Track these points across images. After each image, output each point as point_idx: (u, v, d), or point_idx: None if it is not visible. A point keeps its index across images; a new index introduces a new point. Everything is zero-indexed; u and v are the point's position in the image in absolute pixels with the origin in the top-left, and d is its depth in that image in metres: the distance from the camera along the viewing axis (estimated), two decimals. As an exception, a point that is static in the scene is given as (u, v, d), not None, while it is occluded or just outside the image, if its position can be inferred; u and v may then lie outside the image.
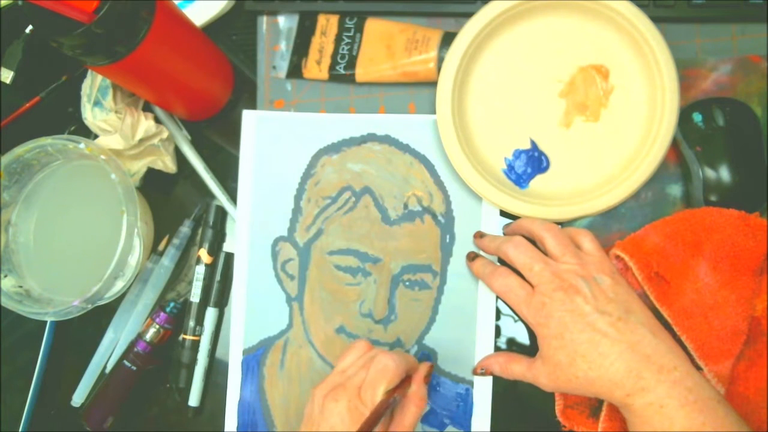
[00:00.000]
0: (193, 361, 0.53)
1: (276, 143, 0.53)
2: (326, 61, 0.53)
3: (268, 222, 0.52)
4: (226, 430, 0.51)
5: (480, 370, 0.48)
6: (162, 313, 0.53)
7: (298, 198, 0.52)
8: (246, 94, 0.56)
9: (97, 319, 0.55)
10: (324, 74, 0.53)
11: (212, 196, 0.55)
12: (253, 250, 0.52)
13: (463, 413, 0.49)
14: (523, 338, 0.50)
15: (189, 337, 0.53)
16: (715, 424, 0.37)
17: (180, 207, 0.56)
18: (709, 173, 0.46)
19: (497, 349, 0.50)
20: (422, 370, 0.44)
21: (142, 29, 0.42)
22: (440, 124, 0.49)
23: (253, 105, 0.55)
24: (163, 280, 0.54)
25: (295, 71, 0.54)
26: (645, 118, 0.48)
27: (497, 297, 0.49)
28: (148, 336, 0.52)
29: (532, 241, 0.45)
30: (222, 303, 0.54)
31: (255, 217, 0.52)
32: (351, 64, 0.52)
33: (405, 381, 0.43)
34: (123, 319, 0.54)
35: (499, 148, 0.50)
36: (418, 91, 0.53)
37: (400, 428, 0.41)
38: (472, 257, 0.49)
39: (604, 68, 0.49)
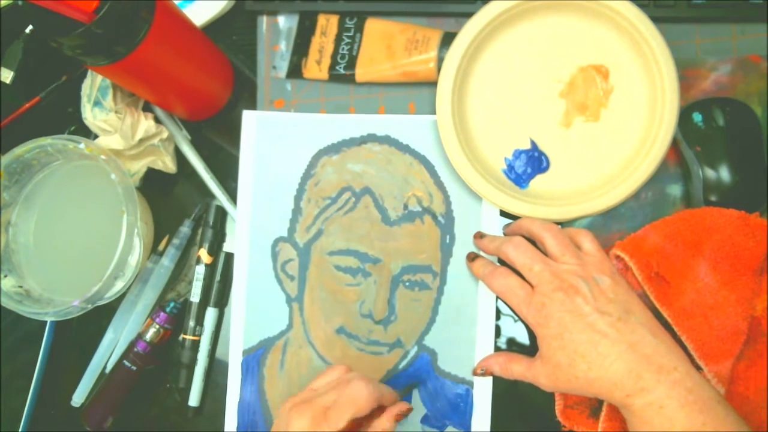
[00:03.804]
0: (193, 361, 0.53)
1: (276, 143, 0.53)
2: (326, 61, 0.53)
3: (268, 222, 0.52)
4: (226, 430, 0.51)
5: (480, 371, 0.48)
6: (162, 313, 0.53)
7: (298, 198, 0.52)
8: (246, 94, 0.56)
9: (97, 319, 0.55)
10: (324, 74, 0.53)
11: (212, 196, 0.55)
12: (253, 250, 0.52)
13: (463, 413, 0.49)
14: (523, 338, 0.50)
15: (189, 337, 0.53)
16: (715, 425, 0.37)
17: (180, 207, 0.56)
18: (709, 173, 0.46)
19: (497, 349, 0.50)
20: (397, 407, 0.42)
21: (142, 29, 0.42)
22: (440, 124, 0.49)
23: (253, 105, 0.55)
24: (163, 280, 0.54)
25: (295, 71, 0.54)
26: (645, 118, 0.48)
27: (497, 297, 0.49)
28: (148, 336, 0.52)
29: (532, 242, 0.45)
30: (222, 303, 0.54)
31: (255, 218, 0.52)
32: (351, 64, 0.52)
33: (376, 411, 0.41)
34: (123, 319, 0.54)
35: (499, 148, 0.50)
36: (418, 91, 0.53)
37: None
38: (472, 257, 0.49)
39: (604, 68, 0.49)
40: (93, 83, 0.52)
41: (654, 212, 0.49)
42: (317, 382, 0.44)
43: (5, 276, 0.52)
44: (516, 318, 0.50)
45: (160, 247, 0.55)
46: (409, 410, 0.43)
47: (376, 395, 0.41)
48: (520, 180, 0.50)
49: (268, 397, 0.51)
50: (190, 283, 0.54)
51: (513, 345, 0.50)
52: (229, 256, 0.54)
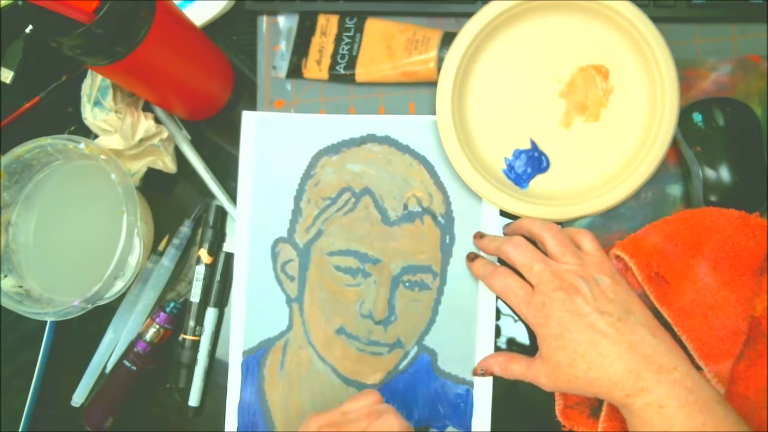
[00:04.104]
0: (193, 361, 0.53)
1: (276, 144, 0.53)
2: (326, 61, 0.53)
3: (268, 223, 0.52)
4: (226, 430, 0.51)
5: (480, 371, 0.48)
6: (162, 313, 0.53)
7: (297, 199, 0.52)
8: (246, 94, 0.56)
9: (97, 319, 0.55)
10: (324, 74, 0.53)
11: (212, 196, 0.55)
12: (252, 250, 0.52)
13: (463, 414, 0.49)
14: (523, 338, 0.50)
15: (189, 337, 0.53)
16: (715, 424, 0.37)
17: (180, 207, 0.56)
18: (709, 173, 0.46)
19: (497, 349, 0.50)
20: None
21: (142, 29, 0.42)
22: (440, 124, 0.49)
23: (253, 105, 0.55)
24: (163, 280, 0.54)
25: (295, 71, 0.54)
26: (645, 118, 0.48)
27: (497, 297, 0.49)
28: (148, 336, 0.52)
29: (532, 241, 0.45)
30: (222, 303, 0.54)
31: (255, 218, 0.52)
32: (351, 64, 0.52)
33: None
34: (123, 319, 0.54)
35: (499, 148, 0.50)
36: (418, 91, 0.53)
37: None
38: (472, 257, 0.49)
39: (604, 68, 0.49)
40: (93, 83, 0.52)
41: (654, 212, 0.49)
42: (348, 406, 0.42)
43: (5, 276, 0.52)
44: (516, 318, 0.50)
45: (160, 247, 0.55)
46: None
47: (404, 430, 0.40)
48: (520, 180, 0.50)
49: (269, 398, 0.51)
50: (190, 283, 0.54)
51: (513, 345, 0.50)
52: (229, 256, 0.54)
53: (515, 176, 0.50)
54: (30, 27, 0.55)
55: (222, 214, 0.55)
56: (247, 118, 0.53)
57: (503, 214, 0.50)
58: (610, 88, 0.49)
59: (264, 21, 0.55)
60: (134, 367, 0.52)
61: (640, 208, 0.49)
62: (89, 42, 0.40)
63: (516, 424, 0.49)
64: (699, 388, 0.38)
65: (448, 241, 0.50)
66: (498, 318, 0.50)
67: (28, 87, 0.55)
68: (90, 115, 0.52)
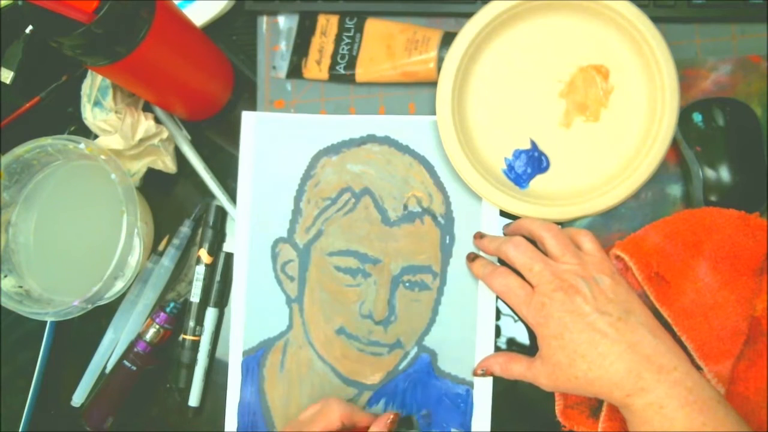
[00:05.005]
0: (193, 361, 0.53)
1: (275, 144, 0.53)
2: (326, 61, 0.53)
3: (268, 223, 0.52)
4: (226, 430, 0.51)
5: (480, 371, 0.48)
6: (162, 313, 0.53)
7: (297, 199, 0.52)
8: (246, 94, 0.56)
9: (97, 319, 0.55)
10: (324, 74, 0.53)
11: (212, 196, 0.55)
12: (252, 251, 0.52)
13: (463, 414, 0.49)
14: (523, 338, 0.50)
15: (189, 337, 0.53)
16: (715, 425, 0.37)
17: (180, 207, 0.56)
18: (709, 173, 0.46)
19: (497, 349, 0.50)
20: (385, 416, 0.44)
21: (142, 29, 0.42)
22: (440, 125, 0.49)
23: (253, 105, 0.55)
24: (163, 280, 0.54)
25: (295, 71, 0.54)
26: (645, 118, 0.48)
27: (497, 297, 0.49)
28: (148, 336, 0.52)
29: (532, 242, 0.45)
30: (222, 303, 0.54)
31: (255, 219, 0.52)
32: (351, 64, 0.52)
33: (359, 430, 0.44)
34: (123, 319, 0.54)
35: (499, 148, 0.50)
36: (418, 91, 0.53)
37: None
38: (472, 258, 0.49)
39: (604, 68, 0.49)
40: (93, 83, 0.52)
41: (654, 212, 0.49)
42: (304, 414, 0.46)
43: (5, 276, 0.52)
44: (516, 318, 0.50)
45: (160, 247, 0.55)
46: (397, 415, 0.45)
47: (347, 412, 0.44)
48: (520, 180, 0.50)
49: (269, 398, 0.51)
50: (190, 283, 0.54)
51: (513, 345, 0.50)
52: (229, 256, 0.54)
53: (515, 176, 0.50)
54: (30, 27, 0.55)
55: (222, 214, 0.55)
56: (247, 118, 0.53)
57: (503, 214, 0.50)
58: (610, 88, 0.49)
59: (264, 21, 0.55)
60: (134, 367, 0.52)
61: (640, 208, 0.49)
62: (89, 42, 0.40)
63: (516, 424, 0.49)
64: (699, 388, 0.38)
65: (448, 241, 0.50)
66: (498, 318, 0.50)
67: (28, 87, 0.55)
68: (90, 115, 0.52)
